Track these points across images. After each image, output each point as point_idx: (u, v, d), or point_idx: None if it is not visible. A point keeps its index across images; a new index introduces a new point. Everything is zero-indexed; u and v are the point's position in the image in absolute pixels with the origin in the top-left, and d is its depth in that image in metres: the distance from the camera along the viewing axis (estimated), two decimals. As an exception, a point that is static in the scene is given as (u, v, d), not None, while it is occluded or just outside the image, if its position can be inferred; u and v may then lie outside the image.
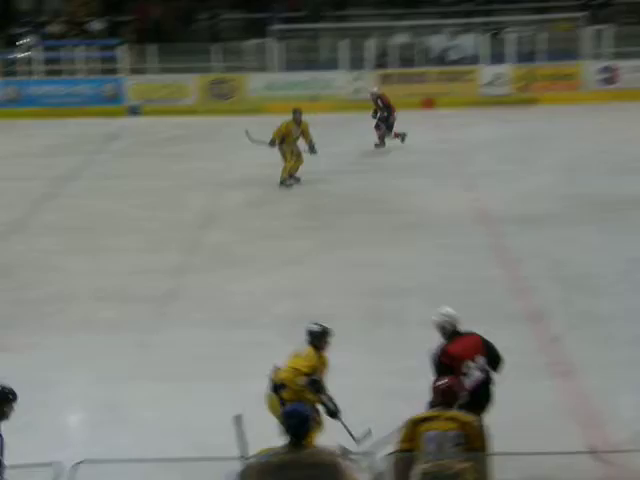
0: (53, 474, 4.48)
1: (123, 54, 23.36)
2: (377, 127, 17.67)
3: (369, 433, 6.65)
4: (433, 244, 12.03)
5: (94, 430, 7.54)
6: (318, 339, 6.91)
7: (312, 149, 15.40)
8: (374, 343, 9.16)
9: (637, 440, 6.35)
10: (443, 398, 5.58)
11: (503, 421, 5.48)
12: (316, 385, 6.65)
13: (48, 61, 23.85)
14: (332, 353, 8.63)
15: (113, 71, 23.52)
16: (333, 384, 7.86)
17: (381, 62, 23.21)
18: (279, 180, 15.09)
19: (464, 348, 6.17)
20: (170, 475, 5.57)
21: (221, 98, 22.85)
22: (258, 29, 24.23)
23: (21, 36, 25.10)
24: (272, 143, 15.22)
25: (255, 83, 22.91)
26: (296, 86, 22.62)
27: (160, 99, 22.75)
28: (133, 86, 22.99)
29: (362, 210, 13.78)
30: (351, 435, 6.55)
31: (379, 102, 17.77)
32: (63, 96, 22.98)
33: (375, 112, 17.74)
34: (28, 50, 24.24)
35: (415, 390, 7.62)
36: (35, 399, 7.81)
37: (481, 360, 6.23)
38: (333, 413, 6.67)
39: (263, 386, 7.64)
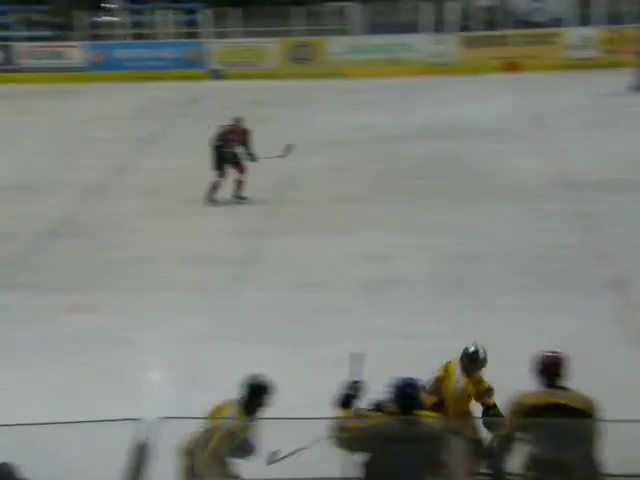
0: (134, 430, 4.59)
1: (205, 18, 23.49)
2: (239, 166, 12.80)
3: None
4: (514, 209, 11.88)
5: (173, 388, 7.68)
6: None
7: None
8: (451, 309, 9.11)
9: None
10: (552, 375, 5.28)
11: (584, 390, 5.42)
12: None
13: (133, 25, 24.13)
14: (409, 318, 8.68)
15: (195, 35, 23.69)
16: (416, 348, 7.87)
17: (464, 25, 22.89)
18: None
19: None
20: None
21: (302, 62, 22.83)
22: (340, -9, 24.12)
23: (107, -1, 25.45)
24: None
25: (336, 47, 22.82)
26: (377, 49, 22.46)
27: (241, 63, 22.84)
28: (215, 50, 23.12)
29: (441, 175, 13.67)
30: None
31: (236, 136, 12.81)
32: (147, 60, 23.23)
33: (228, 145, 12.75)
34: (113, 13, 24.55)
35: (493, 355, 7.62)
36: (115, 357, 8.04)
37: None
38: None
39: (337, 349, 7.71)
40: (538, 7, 23.22)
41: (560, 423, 5.07)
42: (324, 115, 18.10)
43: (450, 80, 20.13)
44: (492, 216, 11.69)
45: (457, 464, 4.76)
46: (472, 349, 6.01)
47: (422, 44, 22.34)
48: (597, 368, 7.16)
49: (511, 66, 21.80)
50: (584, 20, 22.14)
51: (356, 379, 5.28)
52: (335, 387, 5.41)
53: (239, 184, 12.79)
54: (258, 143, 15.86)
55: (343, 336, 8.27)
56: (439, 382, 5.95)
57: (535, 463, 5.08)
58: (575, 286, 9.38)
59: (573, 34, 22.01)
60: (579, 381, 5.37)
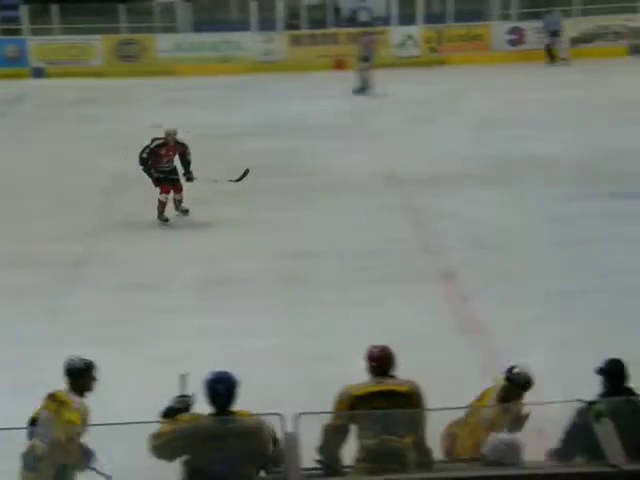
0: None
1: (26, 14, 22.63)
2: (178, 187, 11.78)
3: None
4: (345, 206, 12.01)
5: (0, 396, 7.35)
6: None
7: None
8: (289, 305, 9.13)
9: (544, 394, 6.49)
10: (379, 366, 5.38)
11: (415, 379, 5.52)
12: None
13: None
14: (245, 316, 8.65)
15: (16, 32, 22.79)
16: (250, 346, 7.87)
17: (292, 23, 23.02)
18: None
19: None
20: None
21: (129, 60, 22.36)
22: (166, -12, 23.77)
23: None
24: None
25: (164, 44, 22.47)
26: (206, 47, 22.28)
27: (65, 60, 22.13)
28: (37, 47, 22.31)
29: (274, 172, 13.66)
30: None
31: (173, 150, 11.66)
32: (-36, 57, 22.21)
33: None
34: None
35: (330, 351, 7.68)
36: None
37: None
38: None
39: (173, 349, 7.63)
40: (363, 6, 23.59)
41: (388, 413, 5.15)
42: (153, 114, 17.76)
43: (279, 78, 20.15)
44: (325, 212, 11.78)
45: (289, 459, 4.72)
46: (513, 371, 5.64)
47: (251, 42, 22.31)
48: (429, 358, 7.32)
49: (339, 64, 22.07)
50: (408, 19, 22.69)
51: (185, 393, 5.18)
52: (169, 389, 5.31)
53: (177, 203, 11.79)
54: (88, 142, 15.54)
55: (178, 336, 8.18)
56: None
57: (367, 454, 5.12)
58: (407, 279, 9.56)
59: (398, 33, 22.52)
60: (412, 371, 5.46)
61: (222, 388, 4.90)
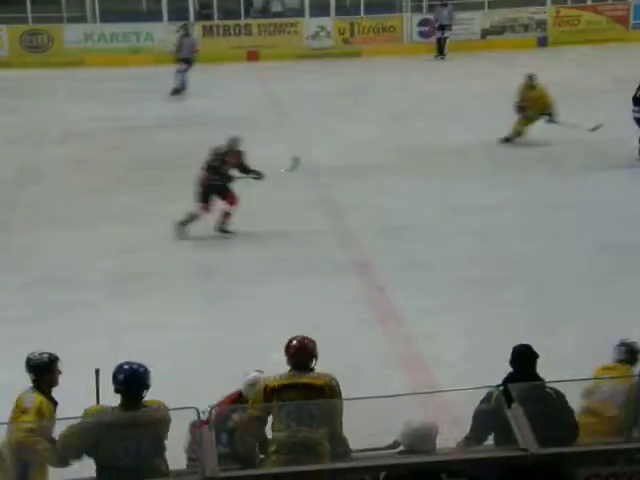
0: None
1: None
2: (230, 195, 10.69)
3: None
4: (260, 198, 11.98)
5: None
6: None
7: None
8: (205, 297, 9.10)
9: (458, 381, 6.61)
10: (296, 359, 5.38)
11: (332, 369, 5.56)
12: None
13: None
14: (160, 311, 8.59)
15: None
16: (166, 340, 7.82)
17: (204, 14, 22.85)
18: None
19: None
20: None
21: (36, 50, 21.91)
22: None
23: None
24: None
25: (72, 35, 22.08)
26: (116, 38, 21.98)
27: (-31, 51, 21.61)
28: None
29: (188, 164, 13.53)
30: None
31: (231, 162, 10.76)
32: None
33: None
34: None
35: (247, 343, 7.69)
36: None
37: None
38: None
39: (85, 347, 7.52)
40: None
41: (302, 404, 5.18)
42: (64, 105, 17.52)
43: (192, 69, 20.01)
44: (239, 205, 11.72)
45: (205, 451, 4.71)
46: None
47: (162, 33, 22.08)
48: (345, 348, 7.38)
49: (252, 55, 22.03)
50: (321, 10, 22.74)
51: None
52: (86, 388, 5.25)
53: (226, 216, 10.65)
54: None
55: (93, 333, 8.06)
56: None
57: (279, 446, 5.14)
58: (324, 270, 9.60)
59: (311, 24, 22.56)
60: (328, 362, 5.50)
61: (129, 378, 4.87)
